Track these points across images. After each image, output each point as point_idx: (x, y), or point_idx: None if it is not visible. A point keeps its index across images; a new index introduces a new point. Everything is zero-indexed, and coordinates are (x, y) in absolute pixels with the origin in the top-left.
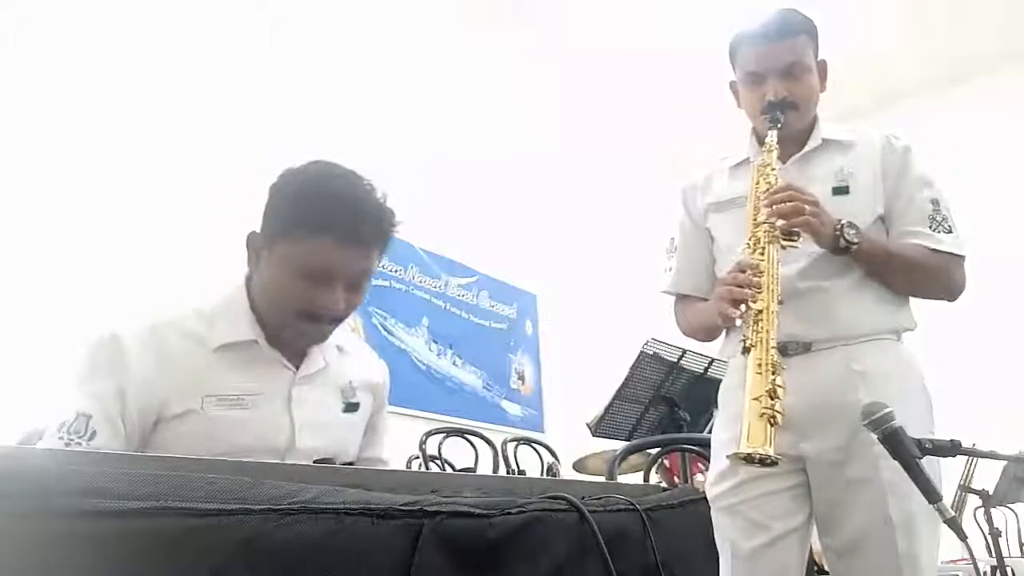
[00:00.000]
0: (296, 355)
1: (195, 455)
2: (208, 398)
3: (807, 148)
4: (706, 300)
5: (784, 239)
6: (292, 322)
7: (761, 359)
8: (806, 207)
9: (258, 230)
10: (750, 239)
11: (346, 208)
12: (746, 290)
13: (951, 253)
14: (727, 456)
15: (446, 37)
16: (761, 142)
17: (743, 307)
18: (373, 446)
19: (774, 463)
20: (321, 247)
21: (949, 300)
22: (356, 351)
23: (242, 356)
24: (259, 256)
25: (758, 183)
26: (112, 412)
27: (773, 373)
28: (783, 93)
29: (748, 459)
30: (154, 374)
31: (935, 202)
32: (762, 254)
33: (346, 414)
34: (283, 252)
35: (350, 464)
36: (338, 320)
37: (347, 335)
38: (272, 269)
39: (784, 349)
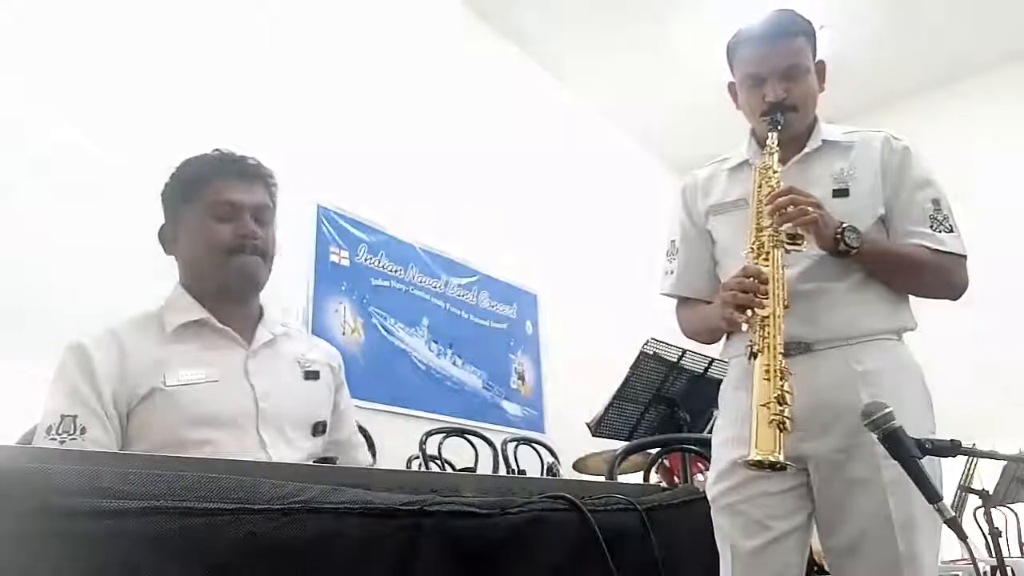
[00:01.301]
0: (246, 332)
1: (169, 429)
2: (169, 374)
3: (807, 150)
4: (708, 302)
5: (788, 243)
6: (224, 262)
7: (769, 364)
8: (809, 209)
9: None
10: (753, 244)
11: (221, 158)
12: (752, 296)
13: (953, 253)
14: (737, 463)
15: (446, 37)
16: (760, 144)
17: (749, 313)
18: (342, 427)
19: (783, 468)
20: (216, 190)
21: (951, 299)
22: (304, 336)
23: (196, 335)
24: (173, 240)
25: (760, 187)
26: (95, 408)
27: (781, 379)
28: (782, 94)
29: (758, 465)
30: (118, 368)
31: (935, 202)
32: (766, 259)
33: (308, 381)
34: (191, 215)
35: (322, 423)
36: (263, 253)
37: (290, 326)
38: (189, 234)
39: (785, 350)
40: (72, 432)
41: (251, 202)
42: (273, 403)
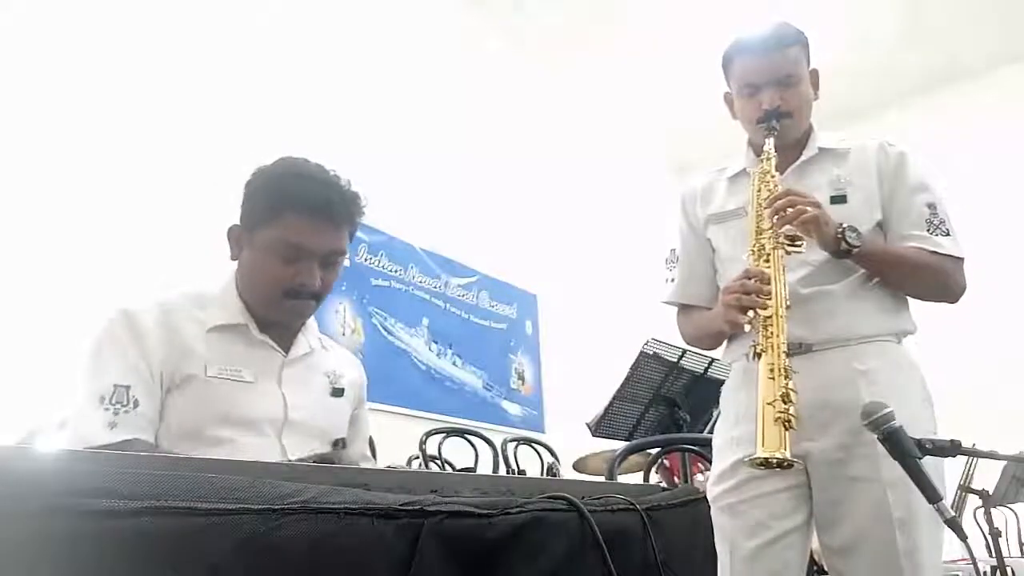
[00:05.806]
0: (284, 340)
1: (195, 420)
2: (209, 366)
3: (803, 158)
4: (709, 309)
5: (788, 245)
6: (278, 300)
7: (773, 364)
8: (807, 208)
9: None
10: (754, 246)
11: (316, 191)
12: (755, 297)
13: (950, 255)
14: (741, 462)
15: (446, 36)
16: (758, 152)
17: (751, 313)
18: (356, 441)
19: (790, 465)
20: (297, 228)
21: (950, 302)
22: (336, 349)
23: (235, 338)
24: (240, 246)
25: (759, 191)
26: (147, 379)
27: (785, 377)
28: (778, 102)
29: (765, 464)
30: (164, 345)
31: (932, 206)
32: (767, 261)
33: (333, 398)
34: (263, 237)
35: (342, 440)
36: (318, 297)
37: (326, 338)
38: (254, 255)
39: (786, 350)
40: (126, 403)
41: (325, 248)
42: (301, 414)
